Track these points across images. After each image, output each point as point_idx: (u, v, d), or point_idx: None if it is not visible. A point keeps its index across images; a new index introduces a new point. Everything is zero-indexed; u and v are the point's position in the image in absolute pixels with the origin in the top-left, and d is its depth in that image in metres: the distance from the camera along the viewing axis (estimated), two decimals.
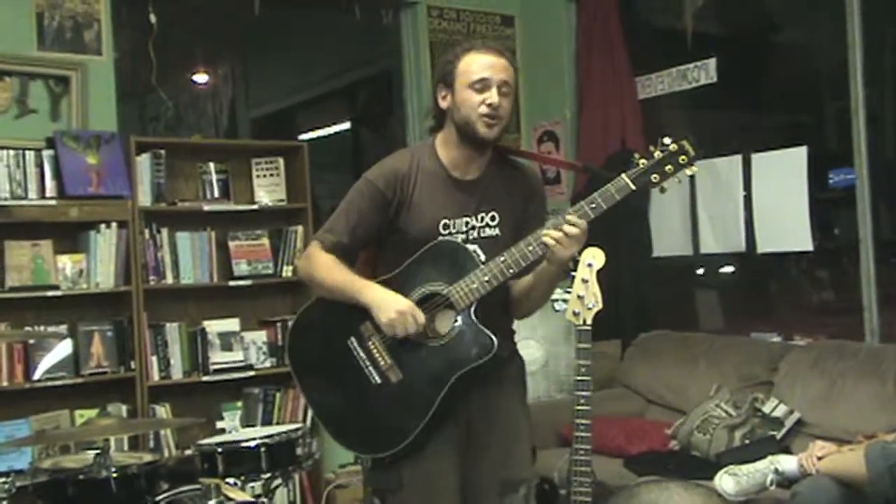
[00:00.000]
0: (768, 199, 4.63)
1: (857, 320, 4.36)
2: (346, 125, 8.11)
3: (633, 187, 2.53)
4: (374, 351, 2.64)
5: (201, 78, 8.10)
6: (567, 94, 5.60)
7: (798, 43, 5.30)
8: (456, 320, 2.60)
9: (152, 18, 4.84)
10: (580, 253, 2.62)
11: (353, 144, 7.83)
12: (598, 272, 2.60)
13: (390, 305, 2.57)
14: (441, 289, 2.61)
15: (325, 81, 7.82)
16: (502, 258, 2.57)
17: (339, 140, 8.03)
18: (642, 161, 2.56)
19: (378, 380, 2.63)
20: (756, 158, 4.70)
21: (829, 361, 4.07)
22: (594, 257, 2.61)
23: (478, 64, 2.63)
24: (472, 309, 2.58)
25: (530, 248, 2.56)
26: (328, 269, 2.68)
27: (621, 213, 5.19)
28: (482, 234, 2.69)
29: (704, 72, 4.94)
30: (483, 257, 2.63)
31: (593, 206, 2.56)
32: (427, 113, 2.82)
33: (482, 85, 2.61)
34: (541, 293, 2.74)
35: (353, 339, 2.67)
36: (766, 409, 4.04)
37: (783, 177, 4.55)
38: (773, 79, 5.11)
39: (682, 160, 2.54)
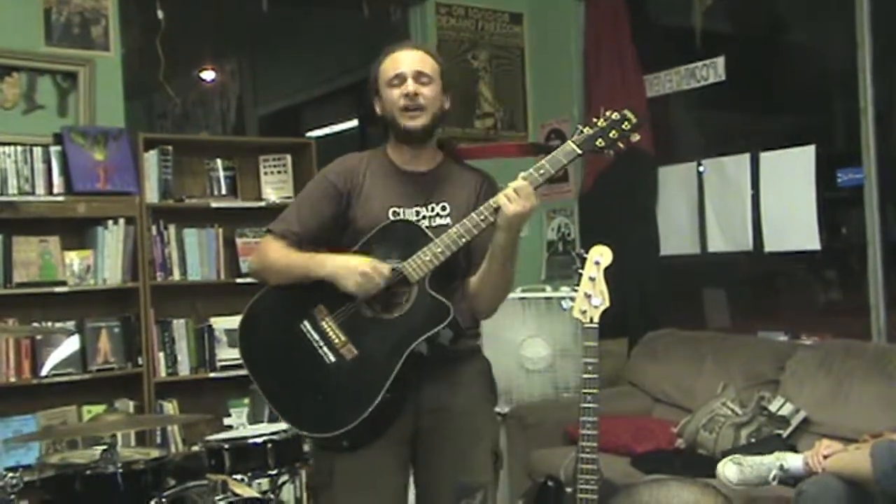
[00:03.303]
0: (776, 199, 4.63)
1: (864, 320, 4.35)
2: (354, 122, 8.11)
3: (580, 151, 2.57)
4: (329, 331, 2.64)
5: (209, 75, 8.12)
6: (575, 91, 5.60)
7: (807, 42, 5.28)
8: (411, 293, 2.61)
9: (160, 15, 4.85)
10: (588, 251, 2.62)
11: (361, 142, 7.83)
12: (606, 270, 2.60)
13: (352, 270, 2.57)
14: (395, 264, 2.62)
15: (334, 79, 7.83)
16: (454, 229, 2.59)
17: (347, 137, 8.04)
18: (586, 129, 2.60)
19: (333, 358, 2.63)
20: (764, 157, 4.69)
21: (836, 361, 4.06)
22: (601, 255, 2.60)
23: (391, 61, 2.73)
24: (426, 280, 2.59)
25: (482, 216, 2.57)
26: (281, 253, 2.71)
27: (629, 211, 5.23)
28: (433, 224, 2.70)
29: (713, 70, 4.93)
30: None
31: (542, 171, 2.57)
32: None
33: (398, 80, 2.69)
34: (497, 271, 2.66)
35: (305, 322, 2.67)
36: (773, 407, 4.04)
37: (791, 176, 4.54)
38: (781, 78, 5.10)
39: (626, 126, 2.59)
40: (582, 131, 2.60)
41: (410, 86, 2.67)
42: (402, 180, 2.75)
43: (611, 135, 2.58)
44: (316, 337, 2.66)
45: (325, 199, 2.74)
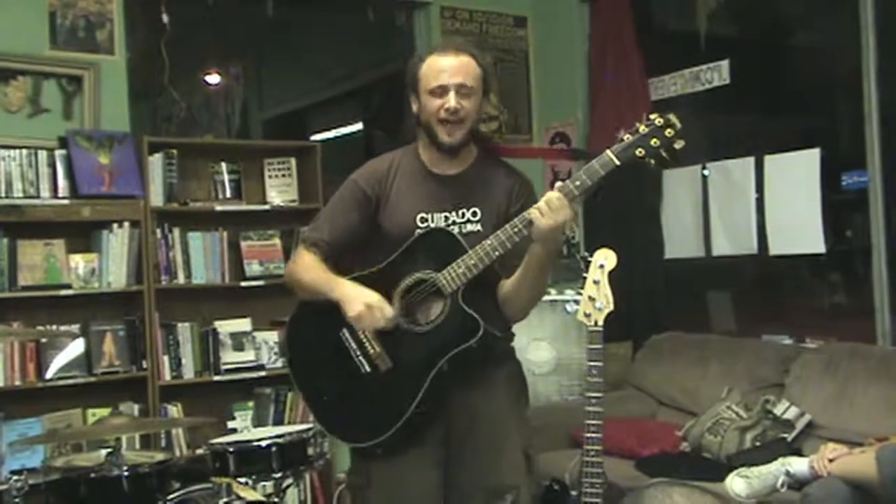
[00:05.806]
0: (781, 202, 4.62)
1: (869, 323, 4.35)
2: (359, 126, 8.12)
3: (617, 162, 2.46)
4: (365, 340, 2.66)
5: (214, 78, 8.12)
6: (579, 95, 5.60)
7: (811, 45, 5.29)
8: (444, 306, 2.61)
9: (165, 18, 4.86)
10: (592, 255, 2.62)
11: (366, 145, 7.83)
12: (610, 273, 2.59)
13: (358, 299, 2.59)
14: (428, 275, 2.62)
15: (338, 82, 7.84)
16: (488, 241, 2.57)
17: (352, 141, 8.04)
18: (627, 136, 2.50)
19: (368, 368, 2.66)
20: (769, 160, 4.69)
21: (841, 364, 4.05)
22: (606, 258, 2.60)
23: (434, 69, 2.66)
24: (460, 293, 2.59)
25: (515, 229, 2.55)
26: (307, 270, 2.73)
27: (634, 214, 5.22)
28: (463, 231, 2.69)
29: (718, 74, 4.93)
30: None
31: (577, 183, 2.50)
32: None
33: (440, 91, 2.64)
34: (531, 282, 2.66)
35: (345, 329, 2.69)
36: (778, 411, 4.03)
37: (796, 179, 4.53)
38: (786, 81, 5.10)
39: (669, 133, 2.47)
40: (623, 138, 2.49)
41: (452, 101, 2.62)
42: (431, 184, 2.73)
43: (652, 142, 2.46)
44: (353, 346, 2.68)
45: (355, 205, 2.75)
